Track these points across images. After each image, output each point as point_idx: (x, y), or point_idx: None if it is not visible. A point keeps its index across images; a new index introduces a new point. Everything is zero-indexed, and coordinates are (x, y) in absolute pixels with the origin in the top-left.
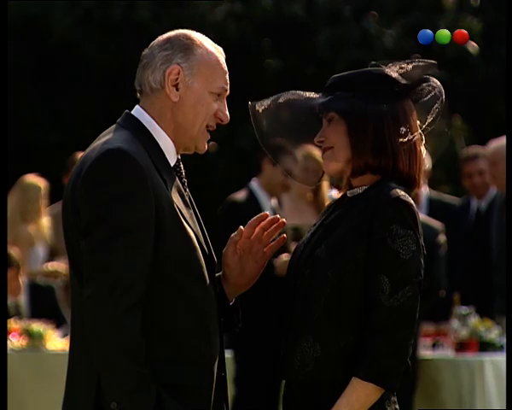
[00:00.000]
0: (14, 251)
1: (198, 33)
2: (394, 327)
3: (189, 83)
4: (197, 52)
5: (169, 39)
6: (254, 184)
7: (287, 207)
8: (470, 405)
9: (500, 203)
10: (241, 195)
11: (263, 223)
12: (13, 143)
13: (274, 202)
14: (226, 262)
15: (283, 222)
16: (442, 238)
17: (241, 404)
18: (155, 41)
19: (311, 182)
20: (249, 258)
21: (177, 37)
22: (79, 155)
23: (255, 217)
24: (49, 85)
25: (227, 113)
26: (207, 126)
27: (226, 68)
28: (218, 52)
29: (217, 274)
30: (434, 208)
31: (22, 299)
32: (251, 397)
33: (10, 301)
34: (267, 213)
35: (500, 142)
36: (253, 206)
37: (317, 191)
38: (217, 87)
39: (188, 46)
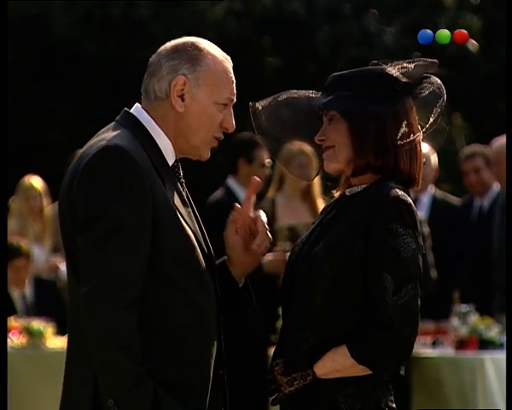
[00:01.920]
0: (23, 243)
1: (206, 41)
2: (400, 325)
3: (195, 94)
4: (204, 63)
5: (177, 48)
6: (231, 181)
7: (280, 206)
8: (473, 403)
9: (502, 201)
10: (219, 194)
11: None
12: (13, 142)
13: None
14: (229, 244)
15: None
16: (426, 230)
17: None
18: (163, 48)
19: (306, 177)
20: (251, 237)
21: (184, 46)
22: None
23: (249, 187)
24: (49, 84)
25: (233, 121)
26: (215, 137)
27: (233, 78)
28: (227, 62)
29: (221, 259)
30: (437, 207)
31: (27, 292)
32: (239, 393)
33: (17, 293)
34: (257, 179)
35: (503, 140)
36: (232, 203)
37: (308, 189)
38: (223, 97)
39: (195, 56)
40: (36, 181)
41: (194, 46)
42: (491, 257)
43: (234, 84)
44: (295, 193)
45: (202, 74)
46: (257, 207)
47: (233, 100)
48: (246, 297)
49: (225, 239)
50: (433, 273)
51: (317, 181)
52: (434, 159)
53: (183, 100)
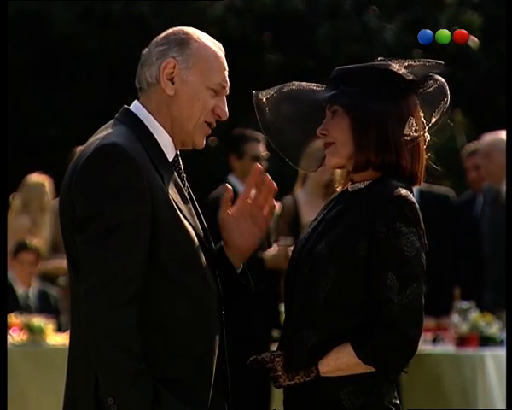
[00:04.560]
0: (35, 241)
1: (196, 30)
2: (406, 325)
3: (185, 77)
4: (193, 46)
5: (166, 35)
6: (232, 177)
7: (302, 202)
8: (473, 400)
9: (492, 197)
10: (221, 190)
11: (256, 181)
12: (13, 138)
13: (253, 192)
14: (223, 226)
15: (275, 188)
16: None
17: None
18: (154, 40)
19: (312, 168)
20: (248, 220)
21: (173, 33)
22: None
23: (250, 174)
24: (50, 80)
25: (225, 109)
26: (206, 123)
27: (225, 65)
28: (217, 47)
29: (218, 245)
30: (426, 201)
31: (32, 291)
32: (242, 389)
33: (22, 290)
34: (259, 166)
35: (494, 136)
36: (234, 199)
37: (330, 185)
38: (214, 82)
39: (184, 40)
40: (42, 178)
41: (183, 32)
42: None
43: (226, 72)
44: (317, 189)
45: (192, 57)
46: (279, 204)
47: (225, 87)
48: (244, 283)
49: (220, 221)
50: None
51: (339, 176)
52: None
53: (172, 83)
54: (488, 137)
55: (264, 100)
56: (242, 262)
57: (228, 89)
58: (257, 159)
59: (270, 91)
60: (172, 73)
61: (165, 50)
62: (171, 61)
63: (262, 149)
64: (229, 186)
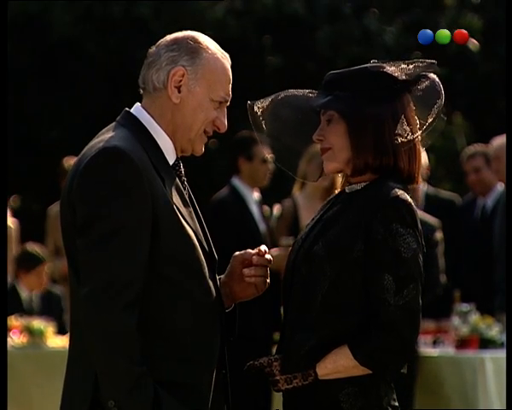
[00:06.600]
0: (39, 249)
1: (206, 36)
2: (403, 326)
3: (192, 87)
4: (203, 57)
5: (176, 40)
6: (236, 180)
7: (301, 205)
8: (473, 402)
9: (504, 199)
10: (224, 193)
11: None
12: (13, 139)
13: (257, 194)
14: (232, 261)
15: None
16: (439, 235)
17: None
18: (162, 40)
19: (312, 177)
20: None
21: (184, 39)
22: (71, 160)
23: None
24: (49, 83)
25: (225, 122)
26: (205, 132)
27: (231, 78)
28: (225, 59)
29: (221, 276)
30: (432, 204)
31: (35, 296)
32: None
33: (26, 294)
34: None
35: (503, 139)
36: (238, 202)
37: (330, 189)
38: (218, 95)
39: (195, 49)
40: None
41: (194, 40)
42: (493, 256)
43: (230, 85)
44: (316, 192)
45: (201, 68)
46: (279, 206)
47: (227, 100)
48: (228, 325)
49: (232, 257)
50: (443, 278)
51: (339, 181)
52: (425, 156)
53: (179, 91)
54: (498, 141)
55: (259, 111)
56: (232, 304)
57: (229, 101)
58: (266, 161)
59: (265, 101)
60: (180, 81)
61: (176, 57)
62: (181, 69)
63: (268, 152)
64: (263, 248)
